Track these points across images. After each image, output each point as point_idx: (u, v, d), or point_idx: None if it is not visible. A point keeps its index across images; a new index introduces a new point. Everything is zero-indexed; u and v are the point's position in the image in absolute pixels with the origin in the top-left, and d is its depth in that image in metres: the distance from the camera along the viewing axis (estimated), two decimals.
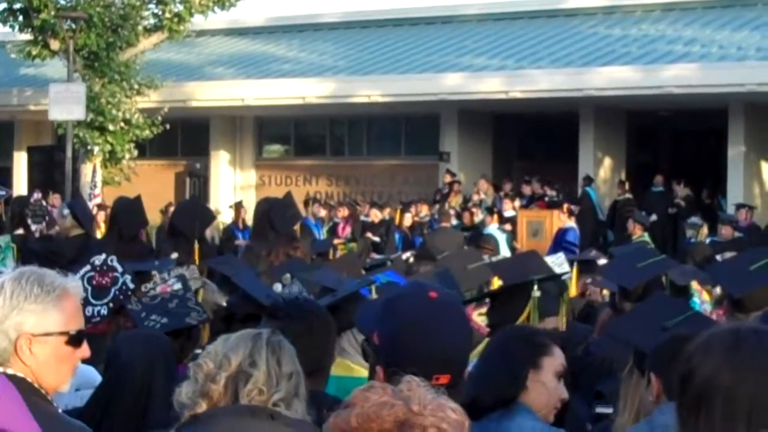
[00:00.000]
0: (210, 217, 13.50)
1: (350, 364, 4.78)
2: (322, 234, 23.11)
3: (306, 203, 25.01)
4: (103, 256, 6.74)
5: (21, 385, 3.40)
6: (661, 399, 4.16)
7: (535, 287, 5.53)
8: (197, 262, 9.78)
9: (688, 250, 15.32)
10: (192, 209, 12.54)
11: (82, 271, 6.57)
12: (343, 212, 25.06)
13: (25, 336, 3.42)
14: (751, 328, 2.75)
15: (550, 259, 10.85)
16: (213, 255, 11.72)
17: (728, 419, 2.60)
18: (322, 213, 25.28)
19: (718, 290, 8.58)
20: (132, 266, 7.20)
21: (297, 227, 18.06)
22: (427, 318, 3.27)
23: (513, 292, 5.66)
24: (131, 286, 6.62)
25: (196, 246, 10.72)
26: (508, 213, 24.65)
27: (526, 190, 26.90)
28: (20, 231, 14.68)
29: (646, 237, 19.67)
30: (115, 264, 6.68)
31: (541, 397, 4.06)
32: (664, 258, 7.72)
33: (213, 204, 31.26)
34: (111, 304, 6.49)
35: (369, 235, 23.90)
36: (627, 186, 26.59)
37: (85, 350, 3.53)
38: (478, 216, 24.25)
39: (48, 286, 3.46)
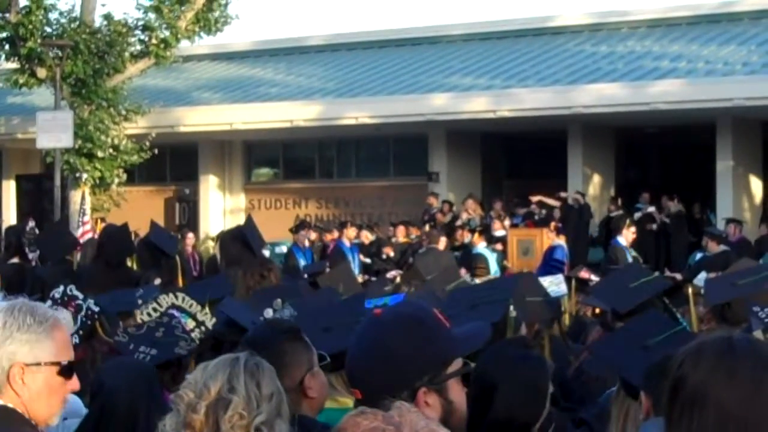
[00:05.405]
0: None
1: (339, 398, 4.74)
2: (357, 259, 22.80)
3: (342, 225, 24.84)
4: (62, 288, 6.71)
5: (11, 416, 3.39)
6: (651, 416, 4.19)
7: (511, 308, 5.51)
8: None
9: None
10: (120, 234, 12.11)
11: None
12: (333, 235, 24.95)
13: (17, 365, 3.44)
14: (743, 336, 2.75)
15: (547, 280, 10.74)
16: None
17: (720, 426, 2.58)
18: (363, 236, 25.03)
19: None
20: (115, 305, 7.18)
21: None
22: (357, 335, 3.26)
23: None
24: (95, 309, 6.61)
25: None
26: (499, 232, 24.60)
27: (520, 210, 26.80)
28: (15, 260, 14.64)
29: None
30: (75, 292, 6.66)
31: None
32: (657, 276, 7.67)
33: (203, 229, 31.30)
34: (81, 332, 6.46)
35: (361, 256, 23.85)
36: (620, 202, 26.46)
37: (75, 383, 3.54)
38: (467, 236, 24.17)
39: (40, 317, 3.49)
